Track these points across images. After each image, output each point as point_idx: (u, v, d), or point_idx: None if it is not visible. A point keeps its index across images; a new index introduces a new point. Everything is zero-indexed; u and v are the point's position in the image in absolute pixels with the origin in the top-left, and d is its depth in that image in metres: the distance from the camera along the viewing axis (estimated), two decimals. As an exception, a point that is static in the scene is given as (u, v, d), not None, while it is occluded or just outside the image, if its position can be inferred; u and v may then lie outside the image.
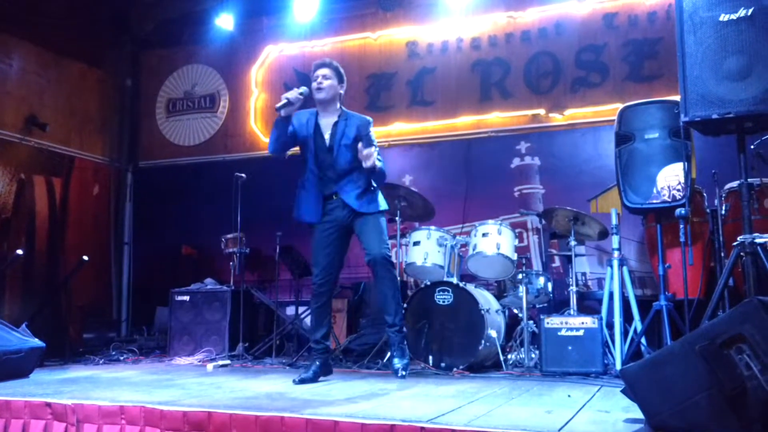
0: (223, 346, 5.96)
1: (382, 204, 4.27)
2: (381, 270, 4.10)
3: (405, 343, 4.26)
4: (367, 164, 3.95)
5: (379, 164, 4.05)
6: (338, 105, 4.29)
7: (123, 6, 7.92)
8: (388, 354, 5.00)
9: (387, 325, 4.22)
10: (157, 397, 3.31)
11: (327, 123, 4.24)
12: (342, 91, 4.30)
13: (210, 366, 5.13)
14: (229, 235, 6.35)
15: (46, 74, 7.25)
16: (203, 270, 6.98)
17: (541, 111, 6.65)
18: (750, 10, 3.15)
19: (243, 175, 6.10)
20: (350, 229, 4.21)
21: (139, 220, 8.10)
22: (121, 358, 5.88)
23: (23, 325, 4.66)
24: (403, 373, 4.09)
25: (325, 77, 4.21)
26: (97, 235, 7.78)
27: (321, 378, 4.12)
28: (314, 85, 4.21)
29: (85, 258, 6.11)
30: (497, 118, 6.81)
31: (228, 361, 5.44)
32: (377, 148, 4.08)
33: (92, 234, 7.70)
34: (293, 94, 4.05)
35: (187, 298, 6.21)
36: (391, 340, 4.22)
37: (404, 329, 4.26)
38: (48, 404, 3.19)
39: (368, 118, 4.29)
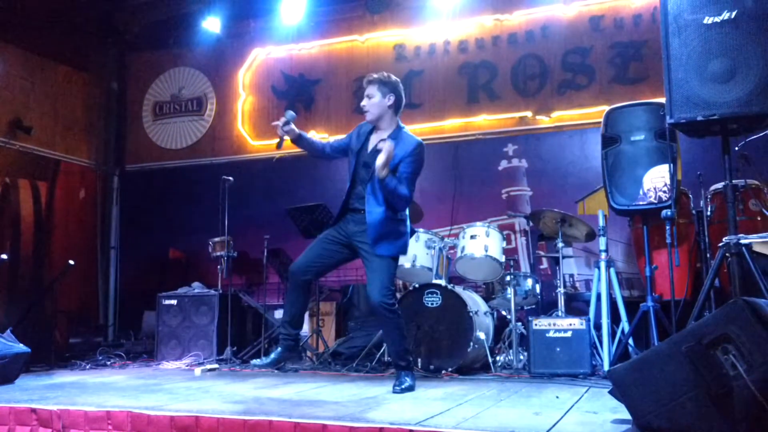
0: (211, 350, 5.92)
1: (400, 247, 3.94)
2: (381, 317, 3.91)
3: (412, 373, 3.94)
4: (378, 174, 3.68)
5: (391, 182, 3.72)
6: (390, 120, 3.98)
7: (108, 9, 7.87)
8: (377, 357, 5.01)
9: (393, 365, 4.09)
10: (144, 402, 3.29)
11: (377, 138, 3.98)
12: (390, 103, 3.96)
13: (198, 370, 5.10)
14: (216, 239, 6.31)
15: (31, 77, 7.20)
16: (191, 274, 6.95)
17: (528, 113, 6.67)
18: (734, 13, 3.18)
19: (230, 178, 6.08)
20: (356, 248, 3.95)
21: (126, 224, 8.05)
22: (108, 363, 5.83)
23: (8, 331, 4.62)
24: (400, 390, 3.77)
25: (368, 97, 3.98)
26: (83, 239, 7.73)
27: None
28: (363, 103, 4.02)
29: (71, 262, 6.06)
30: (484, 121, 6.83)
31: (216, 365, 5.42)
32: (407, 176, 3.81)
33: (78, 238, 7.65)
34: (279, 128, 3.92)
35: (174, 302, 6.17)
36: (397, 373, 3.94)
37: (411, 366, 3.97)
38: (33, 410, 3.16)
39: (416, 141, 3.93)
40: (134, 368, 5.62)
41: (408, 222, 4.03)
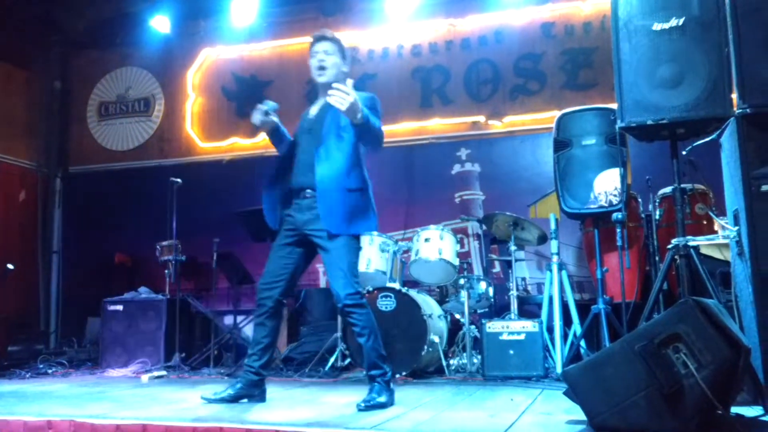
0: (159, 356, 5.77)
1: (362, 224, 3.40)
2: (347, 318, 3.38)
3: (388, 387, 3.33)
4: (342, 106, 3.08)
5: (361, 117, 3.17)
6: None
7: (52, 4, 7.61)
8: (330, 362, 4.95)
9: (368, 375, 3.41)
10: (89, 410, 3.17)
11: (320, 102, 3.52)
12: (346, 70, 3.53)
13: (145, 377, 4.96)
14: (164, 243, 6.16)
15: (-32, 74, 6.92)
16: (137, 278, 6.77)
17: (481, 118, 6.73)
18: (681, 20, 3.25)
19: (179, 180, 5.95)
20: (312, 244, 3.42)
21: (69, 228, 7.79)
22: (50, 371, 5.61)
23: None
24: (364, 407, 3.14)
25: (327, 53, 3.46)
26: (23, 243, 7.43)
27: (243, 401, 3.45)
28: (314, 62, 3.48)
29: (10, 266, 5.84)
30: (438, 125, 6.85)
31: (164, 372, 5.28)
32: (367, 113, 3.27)
33: (18, 242, 7.35)
34: (260, 113, 3.45)
35: (120, 307, 5.99)
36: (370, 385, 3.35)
37: (388, 375, 3.39)
38: (-32, 421, 3.00)
39: (371, 94, 3.52)
40: (77, 376, 5.42)
41: (371, 195, 3.49)
